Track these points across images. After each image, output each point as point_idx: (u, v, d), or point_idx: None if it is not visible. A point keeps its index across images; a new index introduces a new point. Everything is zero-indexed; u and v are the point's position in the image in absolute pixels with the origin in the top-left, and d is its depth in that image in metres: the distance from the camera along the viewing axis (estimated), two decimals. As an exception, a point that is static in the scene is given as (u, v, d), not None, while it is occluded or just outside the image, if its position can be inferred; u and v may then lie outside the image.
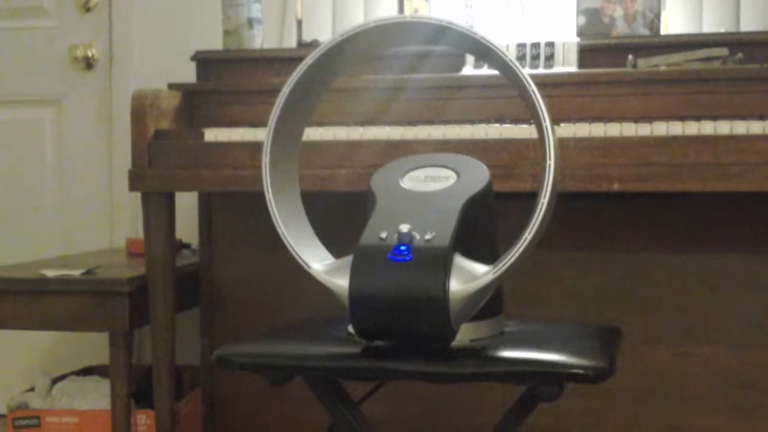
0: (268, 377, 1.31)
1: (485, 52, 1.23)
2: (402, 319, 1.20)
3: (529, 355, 1.23)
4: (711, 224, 2.08)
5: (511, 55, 2.14)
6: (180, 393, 2.33)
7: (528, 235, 1.17)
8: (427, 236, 1.21)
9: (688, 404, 2.11)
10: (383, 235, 1.23)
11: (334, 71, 1.34)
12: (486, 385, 1.25)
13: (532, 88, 1.19)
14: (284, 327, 1.47)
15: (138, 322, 2.10)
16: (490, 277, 1.19)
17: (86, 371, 2.54)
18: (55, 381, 2.42)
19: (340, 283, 1.23)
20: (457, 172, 1.33)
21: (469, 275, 1.20)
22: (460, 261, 1.21)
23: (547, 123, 1.17)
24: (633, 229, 2.12)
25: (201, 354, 2.34)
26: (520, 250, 1.17)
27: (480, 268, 1.21)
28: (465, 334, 1.27)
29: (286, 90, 1.31)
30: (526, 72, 1.20)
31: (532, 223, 1.17)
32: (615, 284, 2.13)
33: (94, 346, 2.61)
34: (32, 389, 2.41)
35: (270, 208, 1.29)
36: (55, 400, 2.34)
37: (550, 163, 1.16)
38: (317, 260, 1.29)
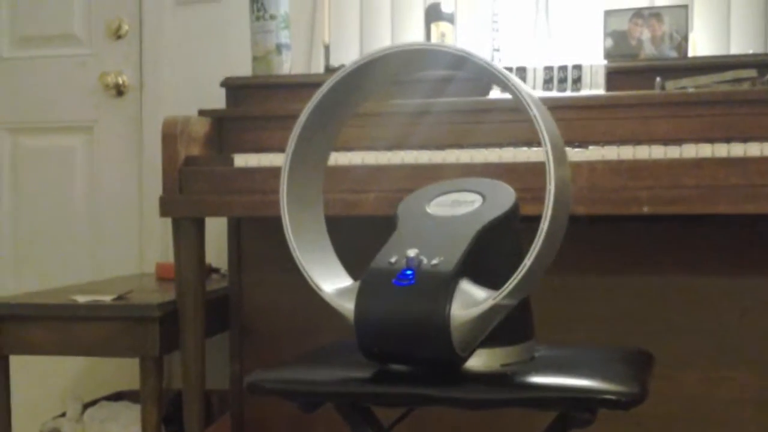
0: (299, 404, 1.31)
1: (490, 77, 1.23)
2: (405, 343, 1.20)
3: (560, 380, 1.22)
4: (742, 246, 2.07)
5: (538, 78, 2.15)
6: (210, 418, 2.34)
7: (528, 261, 1.16)
8: (434, 261, 1.21)
9: (719, 429, 2.08)
10: (393, 259, 1.24)
11: (355, 97, 1.34)
12: (516, 411, 1.24)
13: (534, 112, 1.18)
14: (315, 352, 1.47)
15: (168, 348, 2.10)
16: (490, 303, 1.18)
17: (117, 396, 2.55)
18: (86, 406, 2.43)
19: (349, 306, 1.24)
20: (483, 196, 1.32)
21: (471, 301, 1.19)
22: (466, 286, 1.21)
23: (548, 148, 1.17)
24: (663, 251, 2.10)
25: (230, 379, 2.34)
26: (520, 276, 1.16)
27: (484, 294, 1.20)
28: (495, 360, 1.27)
29: (302, 118, 1.32)
30: (532, 95, 1.19)
31: (532, 249, 1.16)
32: (645, 307, 2.11)
33: (125, 371, 2.62)
34: (64, 414, 2.42)
35: (286, 232, 1.31)
36: (86, 425, 2.35)
37: (551, 188, 1.16)
38: (335, 284, 1.30)
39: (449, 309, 1.18)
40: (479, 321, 1.19)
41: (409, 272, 1.21)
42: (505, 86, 1.21)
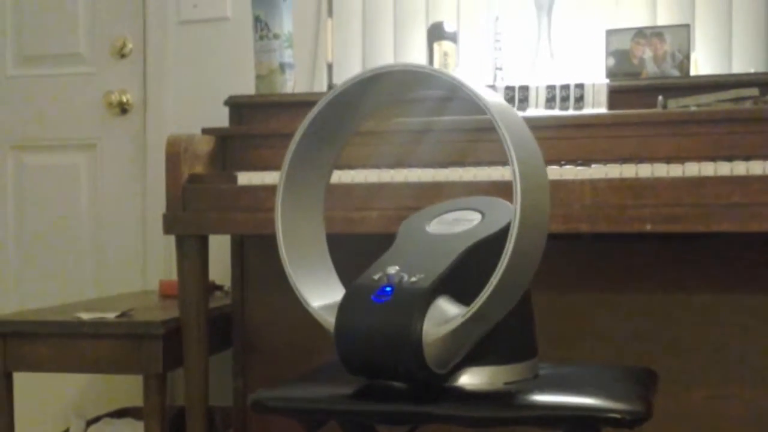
0: (303, 422, 1.32)
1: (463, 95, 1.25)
2: (381, 358, 1.22)
3: (563, 398, 1.22)
4: (744, 264, 2.07)
5: (540, 97, 2.16)
6: (213, 435, 2.34)
7: (494, 281, 1.16)
8: (414, 278, 1.22)
9: (724, 447, 2.08)
10: (376, 276, 1.25)
11: (352, 116, 1.35)
12: (520, 429, 1.25)
13: (502, 132, 1.19)
14: (318, 369, 1.47)
15: (172, 365, 2.11)
16: (459, 320, 1.18)
17: (120, 413, 2.55)
18: (89, 423, 2.43)
19: (331, 320, 1.26)
20: (483, 214, 1.33)
21: (445, 318, 1.20)
22: (442, 303, 1.21)
23: (515, 167, 1.18)
24: (666, 269, 2.11)
25: (233, 396, 2.34)
26: (486, 295, 1.16)
27: (458, 311, 1.20)
28: (499, 378, 1.27)
29: (296, 137, 1.33)
30: (507, 112, 1.21)
31: (497, 269, 1.16)
32: (649, 325, 2.11)
33: (128, 388, 2.62)
34: (67, 431, 2.42)
35: (279, 248, 1.32)
36: (89, 442, 2.35)
37: (517, 207, 1.16)
38: (329, 300, 1.31)
39: (421, 326, 1.19)
40: (453, 338, 1.19)
41: (388, 289, 1.22)
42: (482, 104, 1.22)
